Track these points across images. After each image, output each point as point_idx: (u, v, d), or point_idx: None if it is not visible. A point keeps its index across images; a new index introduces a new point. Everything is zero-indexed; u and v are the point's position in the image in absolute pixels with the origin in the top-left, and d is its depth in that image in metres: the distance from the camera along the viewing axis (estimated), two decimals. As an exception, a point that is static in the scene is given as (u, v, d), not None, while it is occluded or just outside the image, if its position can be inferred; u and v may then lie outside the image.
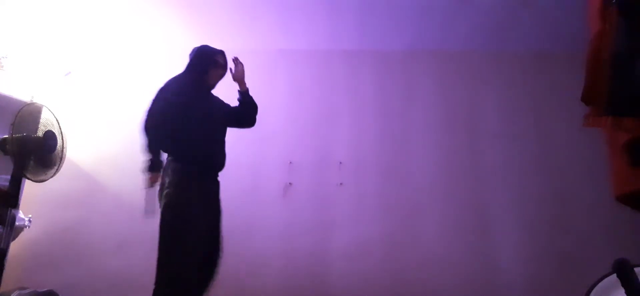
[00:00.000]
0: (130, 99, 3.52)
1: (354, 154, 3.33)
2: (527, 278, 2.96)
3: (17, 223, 2.62)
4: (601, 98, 1.17)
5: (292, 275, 3.05)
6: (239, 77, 2.35)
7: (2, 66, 3.07)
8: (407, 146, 3.36)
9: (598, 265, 1.68)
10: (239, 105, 2.39)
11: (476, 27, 3.27)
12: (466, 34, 3.35)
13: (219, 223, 2.19)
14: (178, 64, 3.60)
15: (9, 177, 2.22)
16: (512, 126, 3.35)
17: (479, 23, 3.22)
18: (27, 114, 2.29)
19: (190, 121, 2.08)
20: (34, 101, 2.59)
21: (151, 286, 2.36)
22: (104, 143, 3.40)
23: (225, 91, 2.51)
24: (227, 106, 2.40)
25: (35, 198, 3.15)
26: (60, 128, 2.37)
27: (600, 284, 1.61)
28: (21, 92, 3.03)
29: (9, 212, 2.31)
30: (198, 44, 2.57)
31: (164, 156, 2.10)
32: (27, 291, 2.67)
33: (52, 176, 2.37)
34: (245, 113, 2.41)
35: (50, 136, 2.31)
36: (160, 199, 2.05)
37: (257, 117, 2.67)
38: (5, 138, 2.20)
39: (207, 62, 2.26)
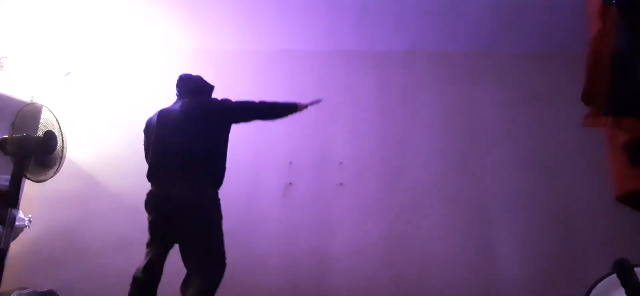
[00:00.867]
0: (131, 99, 3.52)
1: (354, 154, 3.33)
2: (527, 278, 2.96)
3: (17, 223, 2.62)
4: (601, 98, 1.17)
5: (292, 275, 3.05)
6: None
7: (2, 66, 3.07)
8: (407, 146, 3.36)
9: (598, 265, 1.68)
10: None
11: (476, 27, 3.27)
12: (466, 34, 3.36)
13: None
14: (178, 64, 3.61)
15: (9, 177, 2.22)
16: (512, 126, 3.35)
17: (479, 23, 3.22)
18: (27, 114, 2.28)
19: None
20: (34, 101, 2.58)
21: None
22: (104, 143, 3.40)
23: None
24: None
25: (35, 198, 3.15)
26: (60, 128, 2.36)
27: (600, 284, 1.61)
28: (21, 92, 3.03)
29: (9, 212, 2.30)
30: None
31: None
32: (27, 291, 2.67)
33: (52, 176, 2.36)
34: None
35: (50, 136, 2.31)
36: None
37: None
38: (5, 138, 2.20)
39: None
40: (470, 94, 3.46)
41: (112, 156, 3.36)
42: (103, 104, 3.51)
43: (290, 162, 3.32)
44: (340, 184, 3.25)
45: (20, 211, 2.78)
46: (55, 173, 2.37)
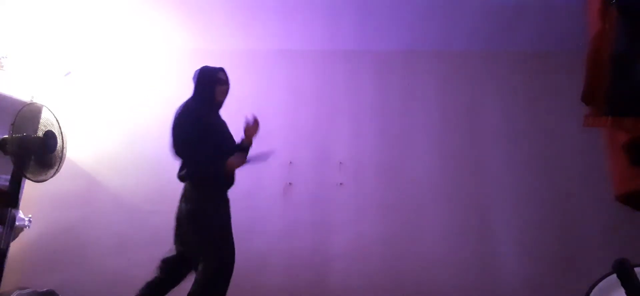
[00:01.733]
0: (131, 99, 3.52)
1: (354, 154, 3.33)
2: (527, 278, 2.96)
3: (17, 223, 2.62)
4: (601, 98, 1.17)
5: (292, 274, 3.06)
6: (248, 133, 2.33)
7: (2, 66, 3.07)
8: (407, 146, 3.36)
9: (598, 265, 1.68)
10: (238, 145, 2.36)
11: (476, 27, 3.27)
12: (466, 34, 3.35)
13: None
14: (178, 64, 3.62)
15: (9, 177, 2.22)
16: (512, 126, 3.35)
17: (479, 23, 3.22)
18: (27, 114, 2.28)
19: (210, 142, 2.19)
20: (34, 101, 2.58)
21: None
22: (104, 143, 3.40)
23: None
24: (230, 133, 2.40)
25: (35, 198, 3.15)
26: (60, 128, 2.37)
27: (600, 284, 1.61)
28: (21, 92, 3.02)
29: (9, 212, 2.30)
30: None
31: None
32: (27, 291, 2.67)
33: (52, 176, 2.36)
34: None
35: (50, 136, 2.31)
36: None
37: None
38: (5, 138, 2.20)
39: (212, 81, 2.32)
40: (470, 94, 3.46)
41: (112, 156, 3.36)
42: (103, 104, 3.51)
43: (290, 162, 3.32)
44: (340, 184, 3.25)
45: (20, 211, 2.78)
46: (55, 173, 2.37)
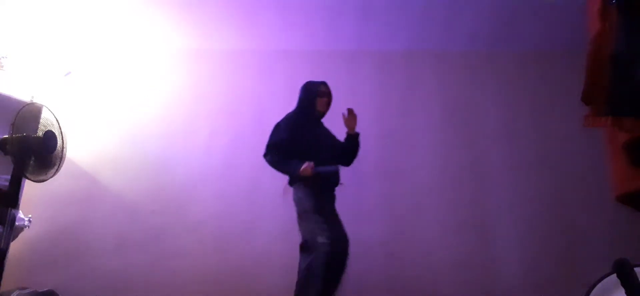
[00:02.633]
0: (131, 99, 3.52)
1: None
2: (527, 278, 2.96)
3: (17, 223, 2.62)
4: (601, 98, 1.17)
5: (292, 275, 3.04)
6: (349, 125, 2.66)
7: (2, 66, 3.06)
8: (407, 145, 3.35)
9: (598, 265, 1.68)
10: (344, 143, 2.69)
11: (476, 27, 3.27)
12: (466, 34, 3.36)
13: None
14: (178, 64, 3.62)
15: (9, 177, 2.22)
16: (512, 126, 3.35)
17: (479, 23, 3.22)
18: (27, 114, 2.28)
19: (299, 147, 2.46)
20: (34, 101, 2.58)
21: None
22: (104, 143, 3.40)
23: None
24: (335, 138, 2.70)
25: (35, 198, 3.15)
26: (60, 128, 2.36)
27: (600, 284, 1.61)
28: (21, 92, 3.02)
29: (9, 212, 2.30)
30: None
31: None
32: (27, 291, 2.67)
33: (52, 176, 2.36)
34: (346, 153, 2.68)
35: (50, 136, 2.31)
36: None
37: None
38: (5, 138, 2.20)
39: (312, 94, 2.62)
40: (470, 94, 3.46)
41: (112, 156, 3.36)
42: (103, 104, 3.51)
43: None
44: (340, 184, 3.25)
45: (20, 211, 2.78)
46: (55, 173, 2.37)
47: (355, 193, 3.24)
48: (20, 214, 2.77)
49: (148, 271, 3.07)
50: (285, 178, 3.31)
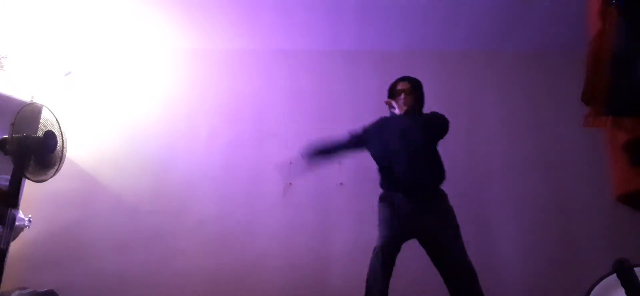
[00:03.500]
0: (131, 99, 3.52)
1: (354, 154, 3.32)
2: (527, 278, 2.96)
3: (17, 223, 2.61)
4: (601, 98, 1.17)
5: (292, 275, 3.05)
6: (398, 110, 2.43)
7: (2, 66, 3.07)
8: (407, 146, 3.35)
9: (598, 265, 1.68)
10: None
11: (476, 27, 3.27)
12: (466, 34, 3.35)
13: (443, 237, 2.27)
14: (177, 64, 3.62)
15: (9, 177, 2.22)
16: (512, 126, 3.35)
17: (479, 23, 3.22)
18: (27, 114, 2.28)
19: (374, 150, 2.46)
20: (34, 101, 2.58)
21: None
22: (104, 143, 3.40)
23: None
24: (425, 121, 2.46)
25: (35, 198, 3.15)
26: (60, 128, 2.36)
27: (600, 284, 1.61)
28: (21, 92, 3.02)
29: (9, 212, 2.30)
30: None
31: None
32: (27, 291, 2.67)
33: (52, 176, 2.36)
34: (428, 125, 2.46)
35: (50, 136, 2.31)
36: None
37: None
38: (5, 138, 2.19)
39: (389, 93, 2.57)
40: (470, 94, 3.46)
41: (112, 156, 3.36)
42: (103, 104, 3.51)
43: (290, 162, 3.32)
44: (340, 184, 3.25)
45: (20, 211, 2.77)
46: (55, 173, 2.37)
47: (355, 193, 3.24)
48: (20, 214, 2.77)
49: (148, 271, 3.07)
50: (285, 178, 3.33)
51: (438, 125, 2.40)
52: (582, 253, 2.96)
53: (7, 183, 2.20)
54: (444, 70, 3.52)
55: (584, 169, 3.16)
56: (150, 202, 3.22)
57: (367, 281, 2.19)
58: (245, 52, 3.62)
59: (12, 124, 2.18)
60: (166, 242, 3.14)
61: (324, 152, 2.54)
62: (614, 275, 1.18)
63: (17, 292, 2.63)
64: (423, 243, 2.29)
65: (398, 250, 2.23)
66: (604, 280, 1.60)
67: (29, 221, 2.83)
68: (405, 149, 2.31)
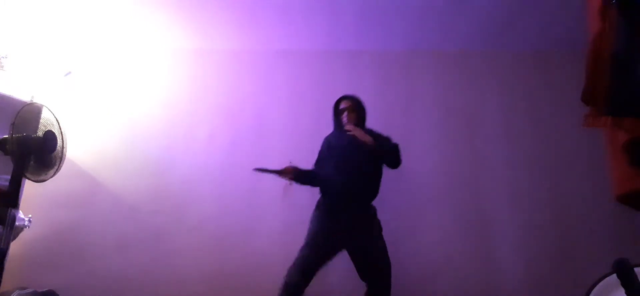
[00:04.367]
0: (131, 99, 3.53)
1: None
2: (527, 278, 2.96)
3: (17, 223, 2.62)
4: (601, 98, 1.17)
5: (292, 275, 3.05)
6: (360, 142, 2.51)
7: (2, 66, 3.07)
8: (406, 145, 3.33)
9: (598, 265, 1.68)
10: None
11: (476, 27, 3.27)
12: (466, 34, 3.35)
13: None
14: (177, 64, 3.62)
15: (9, 177, 2.22)
16: (512, 126, 3.35)
17: (479, 23, 3.22)
18: (27, 114, 2.28)
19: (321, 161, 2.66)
20: (34, 101, 2.58)
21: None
22: (104, 143, 3.40)
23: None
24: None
25: (35, 198, 3.15)
26: (60, 128, 2.36)
27: (600, 284, 1.61)
28: (21, 92, 3.02)
29: (9, 212, 2.30)
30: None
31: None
32: (27, 291, 2.67)
33: (52, 176, 2.36)
34: (382, 158, 2.62)
35: (50, 136, 2.31)
36: None
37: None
38: (5, 138, 2.20)
39: (334, 111, 2.74)
40: (471, 93, 3.46)
41: (112, 156, 3.36)
42: (103, 104, 3.51)
43: (290, 162, 3.32)
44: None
45: (20, 211, 2.78)
46: (55, 173, 2.37)
47: (355, 193, 3.24)
48: (20, 214, 2.77)
49: (148, 271, 3.07)
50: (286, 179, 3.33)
51: (387, 148, 2.59)
52: (582, 253, 2.96)
53: (7, 183, 2.21)
54: (444, 70, 3.52)
55: (584, 169, 3.16)
56: (150, 202, 3.22)
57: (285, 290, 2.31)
58: (245, 52, 3.62)
59: (12, 124, 2.18)
60: (166, 242, 3.14)
61: (309, 179, 2.67)
62: (614, 275, 1.18)
63: (17, 292, 2.63)
64: (350, 253, 2.44)
65: (321, 266, 2.38)
66: (604, 280, 1.60)
67: (29, 221, 2.84)
68: (344, 164, 2.49)
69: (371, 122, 3.45)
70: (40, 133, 2.29)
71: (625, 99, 1.11)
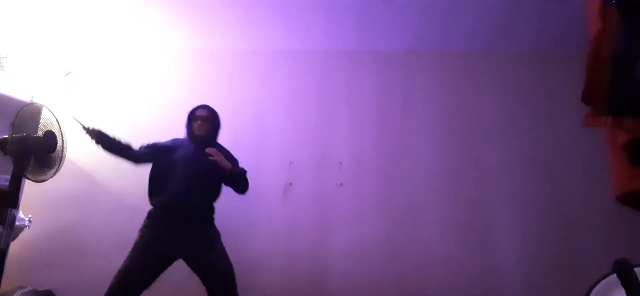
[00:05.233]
0: (131, 99, 3.52)
1: (354, 154, 3.33)
2: (527, 278, 2.96)
3: (17, 223, 2.62)
4: (601, 98, 1.17)
5: (292, 275, 3.06)
6: (218, 167, 2.46)
7: (2, 66, 3.06)
8: (407, 146, 3.36)
9: (598, 265, 1.68)
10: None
11: (476, 27, 3.27)
12: (466, 34, 3.36)
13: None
14: (177, 64, 3.62)
15: (9, 177, 2.22)
16: (512, 126, 3.35)
17: (479, 23, 3.22)
18: (27, 114, 2.28)
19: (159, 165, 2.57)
20: (34, 101, 2.58)
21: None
22: (104, 143, 3.39)
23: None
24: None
25: (35, 198, 3.15)
26: (60, 128, 2.36)
27: (600, 284, 1.61)
28: (21, 92, 3.02)
29: (9, 212, 2.30)
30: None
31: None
32: (27, 291, 2.67)
33: (52, 176, 2.36)
34: (230, 184, 2.64)
35: (50, 136, 2.31)
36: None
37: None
38: (5, 138, 2.19)
39: (188, 118, 2.67)
40: (470, 94, 3.46)
41: (112, 156, 3.35)
42: (103, 104, 3.51)
43: (290, 162, 3.32)
44: (340, 184, 3.25)
45: (20, 211, 2.78)
46: (55, 173, 2.37)
47: (355, 193, 3.24)
48: (20, 214, 2.77)
49: (148, 271, 3.06)
50: (285, 178, 3.33)
51: (241, 176, 2.63)
52: (582, 253, 2.96)
53: (7, 183, 2.21)
54: (444, 70, 3.52)
55: (584, 169, 3.16)
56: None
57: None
58: (245, 52, 3.62)
59: (12, 124, 2.18)
60: (166, 242, 3.13)
61: (109, 143, 2.63)
62: (614, 275, 1.18)
63: (17, 292, 2.63)
64: (187, 262, 2.42)
65: (147, 278, 2.37)
66: (604, 280, 1.60)
67: (29, 221, 2.84)
68: (188, 172, 2.45)
69: (371, 122, 3.47)
70: (40, 133, 2.29)
71: (625, 99, 1.11)
